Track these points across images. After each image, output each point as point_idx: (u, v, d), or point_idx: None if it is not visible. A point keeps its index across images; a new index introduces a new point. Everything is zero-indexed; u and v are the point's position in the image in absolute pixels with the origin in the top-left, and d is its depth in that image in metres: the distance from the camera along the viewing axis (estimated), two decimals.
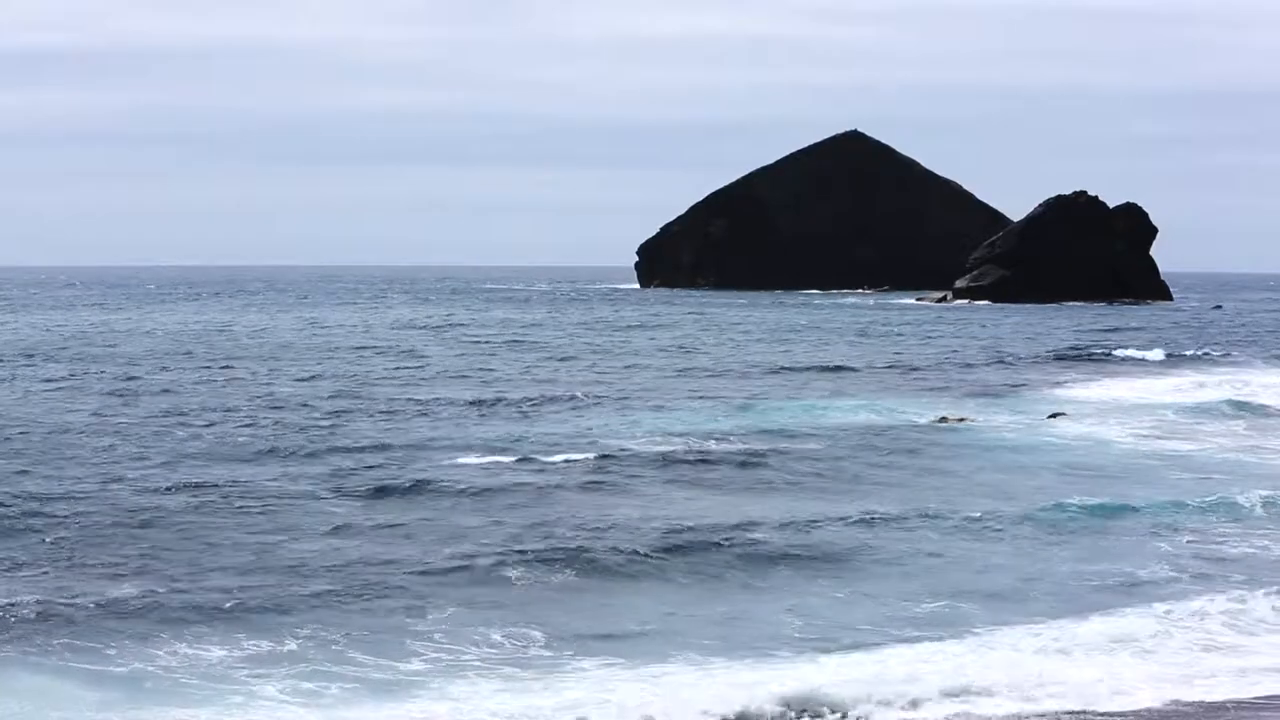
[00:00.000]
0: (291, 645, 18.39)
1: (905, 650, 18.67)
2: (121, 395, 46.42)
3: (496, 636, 18.97)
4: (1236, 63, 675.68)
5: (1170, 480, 32.25)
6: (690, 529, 25.37)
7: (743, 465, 33.03)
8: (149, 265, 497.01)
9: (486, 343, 77.89)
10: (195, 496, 27.72)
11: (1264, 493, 29.53)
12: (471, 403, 45.03)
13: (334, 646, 18.49)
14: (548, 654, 18.40)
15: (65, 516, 25.66)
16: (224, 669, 17.57)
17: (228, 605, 19.99)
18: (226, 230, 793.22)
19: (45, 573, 21.92)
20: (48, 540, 23.87)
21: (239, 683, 17.13)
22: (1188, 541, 25.53)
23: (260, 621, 19.29)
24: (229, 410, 42.22)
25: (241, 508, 26.74)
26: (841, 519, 26.60)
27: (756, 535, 24.98)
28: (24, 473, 30.21)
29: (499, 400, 45.74)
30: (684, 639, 19.11)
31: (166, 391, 48.05)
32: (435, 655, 18.35)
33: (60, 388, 48.82)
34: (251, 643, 18.47)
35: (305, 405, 44.06)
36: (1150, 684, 17.62)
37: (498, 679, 17.45)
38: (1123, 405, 46.78)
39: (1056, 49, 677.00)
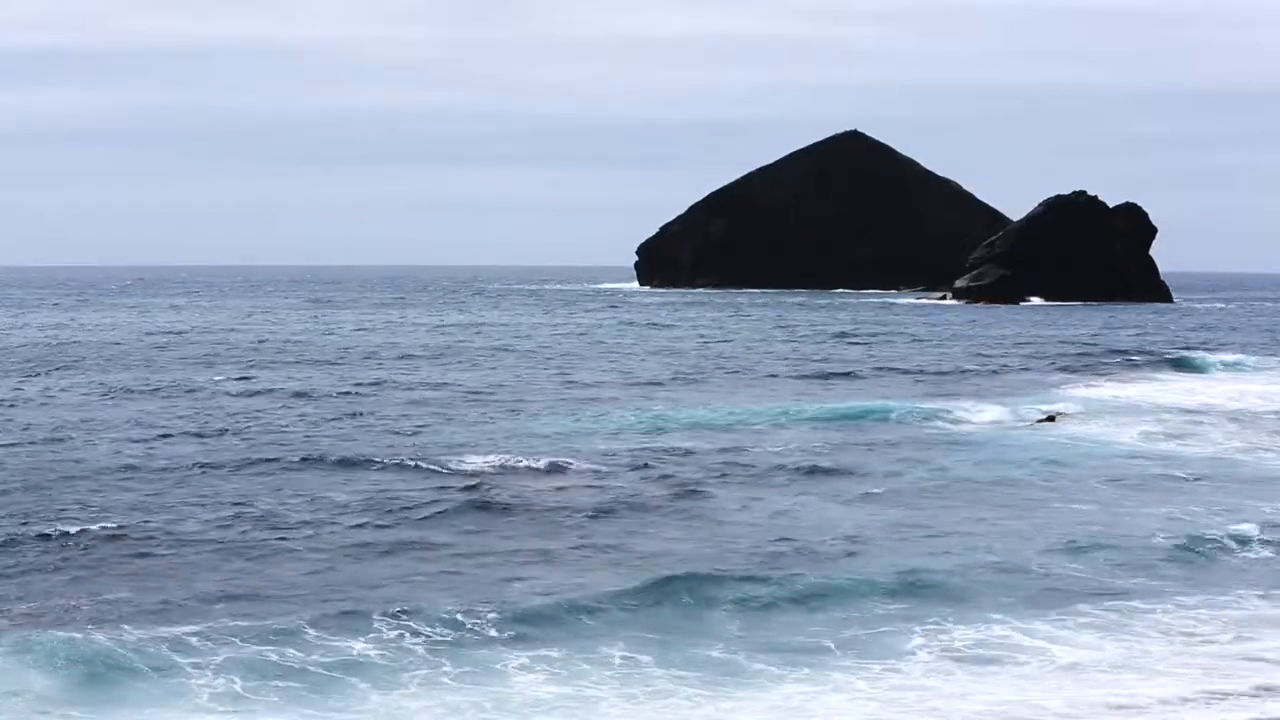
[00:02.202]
0: (251, 644, 18.33)
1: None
2: (146, 397, 46.11)
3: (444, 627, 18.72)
4: (1236, 63, 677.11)
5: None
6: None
7: (767, 472, 32.41)
8: (149, 265, 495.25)
9: (500, 340, 77.76)
10: (210, 508, 27.16)
11: None
12: (501, 405, 44.75)
13: (279, 639, 18.55)
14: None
15: (76, 516, 25.75)
16: (190, 670, 17.52)
17: (211, 607, 20.10)
18: (226, 230, 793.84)
19: (38, 567, 22.12)
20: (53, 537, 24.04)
21: (189, 679, 17.21)
22: None
23: (231, 623, 19.26)
24: (246, 413, 42.00)
25: (236, 515, 26.52)
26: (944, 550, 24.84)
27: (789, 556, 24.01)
28: (47, 478, 29.92)
29: (522, 404, 45.30)
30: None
31: (190, 393, 47.56)
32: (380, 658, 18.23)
33: (91, 390, 48.18)
34: (220, 643, 18.42)
35: (329, 405, 44.22)
36: None
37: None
38: (1140, 407, 46.41)
39: (1056, 49, 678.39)
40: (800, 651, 18.76)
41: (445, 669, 17.86)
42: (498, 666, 17.97)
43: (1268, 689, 17.73)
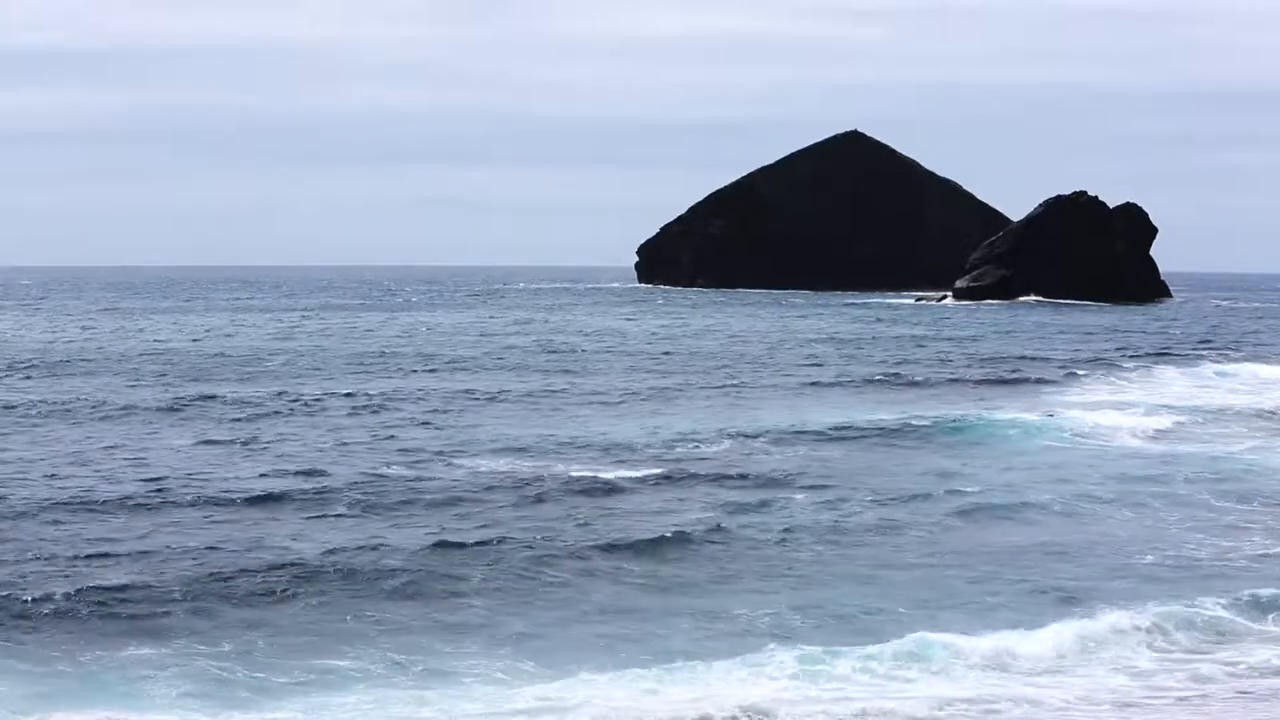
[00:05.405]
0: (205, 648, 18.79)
1: None
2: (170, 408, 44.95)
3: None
4: (1238, 62, 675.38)
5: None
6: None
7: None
8: (149, 265, 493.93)
9: (505, 341, 77.89)
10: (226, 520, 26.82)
11: None
12: (522, 410, 44.76)
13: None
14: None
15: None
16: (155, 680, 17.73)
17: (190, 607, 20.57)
18: (226, 230, 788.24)
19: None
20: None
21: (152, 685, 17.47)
22: None
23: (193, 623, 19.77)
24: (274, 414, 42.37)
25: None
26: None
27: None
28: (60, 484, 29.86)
29: (536, 409, 45.18)
30: None
31: (240, 404, 45.59)
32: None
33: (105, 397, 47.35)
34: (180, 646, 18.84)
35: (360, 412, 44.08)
36: None
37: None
38: (1190, 409, 46.31)
39: (1057, 49, 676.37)
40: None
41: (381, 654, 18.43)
42: (444, 662, 18.40)
43: None
